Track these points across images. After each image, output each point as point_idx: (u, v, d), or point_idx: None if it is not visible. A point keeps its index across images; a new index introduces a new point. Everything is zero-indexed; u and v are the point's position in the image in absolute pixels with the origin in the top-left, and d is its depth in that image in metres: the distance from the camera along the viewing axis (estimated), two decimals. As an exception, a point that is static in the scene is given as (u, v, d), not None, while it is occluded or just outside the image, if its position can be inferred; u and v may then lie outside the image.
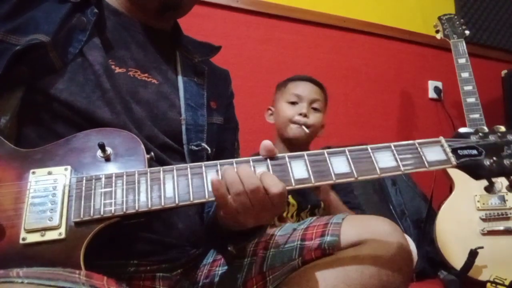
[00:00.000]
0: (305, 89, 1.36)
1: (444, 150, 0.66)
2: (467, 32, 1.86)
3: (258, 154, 0.65)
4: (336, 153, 0.64)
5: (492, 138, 0.67)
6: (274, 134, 1.41)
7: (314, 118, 1.33)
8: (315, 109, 1.35)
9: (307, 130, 1.31)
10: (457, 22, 1.88)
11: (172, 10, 0.81)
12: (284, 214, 1.27)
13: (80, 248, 0.54)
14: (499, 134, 0.68)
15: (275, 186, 0.59)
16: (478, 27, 2.48)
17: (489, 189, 0.67)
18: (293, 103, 1.35)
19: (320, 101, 1.36)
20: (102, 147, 0.60)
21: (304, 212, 1.29)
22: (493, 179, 0.67)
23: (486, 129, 0.69)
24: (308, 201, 1.29)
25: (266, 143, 0.64)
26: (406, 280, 0.71)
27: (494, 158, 0.66)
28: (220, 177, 0.60)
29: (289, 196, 1.27)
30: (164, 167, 0.61)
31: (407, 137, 2.22)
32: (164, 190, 0.58)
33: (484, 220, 1.52)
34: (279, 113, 1.37)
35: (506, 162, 0.65)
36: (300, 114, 1.31)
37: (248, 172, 0.59)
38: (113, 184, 0.58)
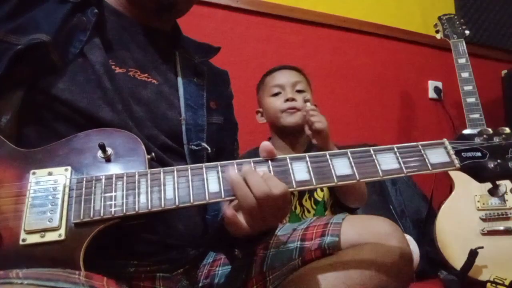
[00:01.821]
0: (282, 77, 1.34)
1: (448, 153, 0.65)
2: (467, 32, 1.86)
3: (256, 150, 0.64)
4: (338, 154, 0.64)
5: (496, 140, 0.66)
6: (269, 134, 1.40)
7: (302, 98, 1.30)
8: (299, 91, 1.32)
9: (305, 107, 1.24)
10: (457, 22, 1.88)
11: (168, 10, 0.81)
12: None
13: (80, 249, 0.54)
14: (503, 136, 0.67)
15: (276, 187, 0.58)
16: (478, 27, 2.48)
17: (493, 191, 0.66)
18: (276, 94, 1.32)
19: (301, 82, 1.33)
20: (102, 147, 0.60)
21: (304, 199, 1.27)
22: (497, 182, 0.66)
23: (490, 130, 0.68)
24: None
25: (266, 144, 0.63)
26: (406, 280, 0.71)
27: (499, 161, 0.64)
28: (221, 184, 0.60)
29: None
30: (165, 168, 0.61)
31: (407, 137, 2.23)
32: (164, 192, 0.58)
33: (484, 220, 1.53)
34: (268, 109, 1.34)
35: (511, 164, 0.64)
36: (287, 100, 1.28)
37: (257, 181, 0.58)
38: (113, 185, 0.58)
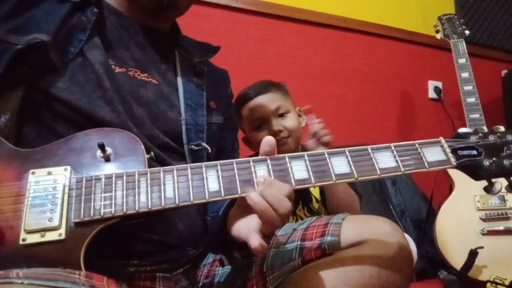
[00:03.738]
0: (259, 108, 1.20)
1: (444, 151, 0.66)
2: (467, 32, 1.86)
3: (257, 155, 0.64)
4: (336, 153, 0.64)
5: (491, 138, 0.67)
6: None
7: (288, 123, 1.20)
8: (282, 114, 1.21)
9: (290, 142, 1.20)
10: (457, 22, 1.89)
11: (168, 9, 0.81)
12: None
13: (80, 249, 0.54)
14: (498, 134, 0.68)
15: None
16: (478, 27, 2.48)
17: (489, 189, 0.67)
18: (259, 126, 1.21)
19: (282, 105, 1.21)
20: (101, 147, 0.60)
21: (298, 209, 1.25)
22: (493, 179, 0.67)
23: (485, 129, 0.68)
24: (298, 197, 1.24)
25: (269, 139, 0.63)
26: (406, 280, 0.71)
27: (494, 159, 0.65)
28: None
29: None
30: (164, 167, 0.61)
31: (407, 137, 2.24)
32: (164, 191, 0.58)
33: (484, 220, 1.53)
34: (255, 141, 1.24)
35: (506, 162, 0.65)
36: (275, 133, 1.17)
37: (278, 198, 0.58)
38: (113, 184, 0.58)
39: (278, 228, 0.63)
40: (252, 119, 1.22)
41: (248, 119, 1.23)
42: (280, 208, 0.57)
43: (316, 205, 1.26)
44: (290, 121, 1.21)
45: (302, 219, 1.23)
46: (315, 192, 1.27)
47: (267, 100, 1.21)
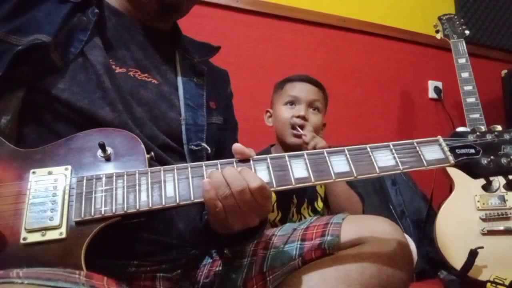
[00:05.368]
0: (302, 90, 1.30)
1: (442, 149, 0.67)
2: (467, 32, 1.86)
3: (267, 149, 0.65)
4: (335, 152, 0.64)
5: (489, 137, 0.68)
6: (274, 136, 1.40)
7: (313, 119, 1.27)
8: (315, 108, 1.29)
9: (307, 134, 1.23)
10: (457, 22, 1.88)
11: (172, 11, 0.81)
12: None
13: (80, 248, 0.54)
14: (496, 133, 0.69)
15: (253, 181, 0.59)
16: (478, 27, 2.48)
17: (487, 187, 0.68)
18: (291, 104, 1.29)
19: (319, 101, 1.30)
20: (102, 146, 0.60)
21: (303, 208, 1.27)
22: (491, 178, 0.68)
23: (483, 128, 0.70)
24: (304, 195, 1.27)
25: (236, 146, 0.64)
26: (407, 280, 0.72)
27: (492, 157, 0.66)
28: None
29: (293, 196, 1.26)
30: (165, 166, 0.61)
31: (407, 137, 2.22)
32: (165, 190, 0.59)
33: (484, 220, 1.52)
34: (277, 117, 1.31)
35: (503, 160, 0.66)
36: (298, 117, 1.24)
37: (233, 174, 0.59)
38: (114, 183, 0.58)
39: (238, 213, 0.61)
40: (289, 94, 1.30)
41: (287, 93, 1.31)
42: (233, 183, 0.58)
43: (320, 205, 1.27)
44: (315, 119, 1.28)
45: (306, 218, 1.24)
46: (321, 190, 1.29)
47: (312, 90, 1.31)
